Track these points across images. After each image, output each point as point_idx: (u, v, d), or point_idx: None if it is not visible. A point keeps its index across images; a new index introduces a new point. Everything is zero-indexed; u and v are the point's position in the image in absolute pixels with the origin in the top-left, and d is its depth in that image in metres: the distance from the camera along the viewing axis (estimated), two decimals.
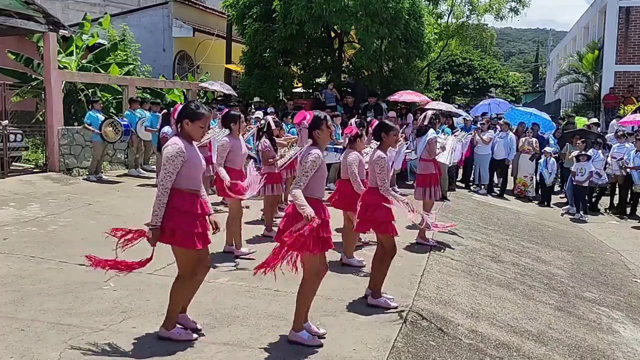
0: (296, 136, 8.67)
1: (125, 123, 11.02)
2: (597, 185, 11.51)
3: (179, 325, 3.97)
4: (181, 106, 3.94)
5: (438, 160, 7.59)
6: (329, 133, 4.09)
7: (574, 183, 11.03)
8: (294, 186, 3.89)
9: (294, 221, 3.84)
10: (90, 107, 11.62)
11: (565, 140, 12.73)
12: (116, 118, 11.20)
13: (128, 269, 3.91)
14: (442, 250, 7.02)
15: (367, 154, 6.39)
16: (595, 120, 15.74)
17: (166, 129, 7.42)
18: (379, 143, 5.05)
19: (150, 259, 3.89)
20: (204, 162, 4.04)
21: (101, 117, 11.06)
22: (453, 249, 7.24)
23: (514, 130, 12.98)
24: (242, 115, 6.42)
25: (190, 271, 3.86)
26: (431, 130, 7.46)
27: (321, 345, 3.96)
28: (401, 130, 9.21)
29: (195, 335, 3.96)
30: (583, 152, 11.04)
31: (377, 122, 5.16)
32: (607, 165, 11.46)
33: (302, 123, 4.03)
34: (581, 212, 10.99)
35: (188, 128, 3.81)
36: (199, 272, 3.93)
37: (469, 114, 16.17)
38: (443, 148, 7.82)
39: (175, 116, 3.91)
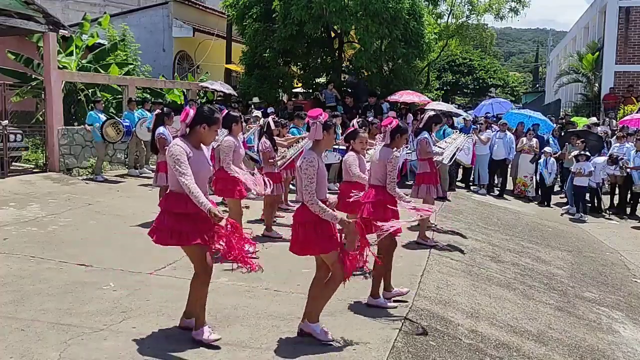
0: (297, 135, 8.69)
1: (127, 124, 11.00)
2: (598, 186, 11.51)
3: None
4: (194, 111, 3.88)
5: (436, 160, 7.60)
6: (332, 139, 4.16)
7: (574, 183, 11.05)
8: (307, 195, 3.85)
9: (306, 227, 3.89)
10: (91, 107, 11.60)
11: (565, 141, 12.74)
12: (118, 118, 11.18)
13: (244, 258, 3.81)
14: (442, 250, 7.01)
15: (370, 154, 6.38)
16: (595, 119, 15.75)
17: (161, 129, 7.41)
18: (386, 142, 5.08)
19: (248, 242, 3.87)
20: (210, 165, 4.02)
21: (102, 117, 11.05)
22: (453, 249, 7.23)
23: (512, 131, 12.98)
24: (242, 116, 6.43)
25: (206, 266, 3.86)
26: (425, 132, 7.47)
27: (331, 342, 3.97)
28: None
29: (218, 336, 3.94)
30: (582, 152, 11.04)
31: (396, 121, 5.20)
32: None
33: (318, 117, 4.04)
34: (581, 212, 11.00)
35: (204, 132, 3.82)
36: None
37: (471, 114, 16.16)
38: (442, 151, 7.81)
39: (189, 121, 3.81)
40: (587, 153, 11.12)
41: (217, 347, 3.83)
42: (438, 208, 9.25)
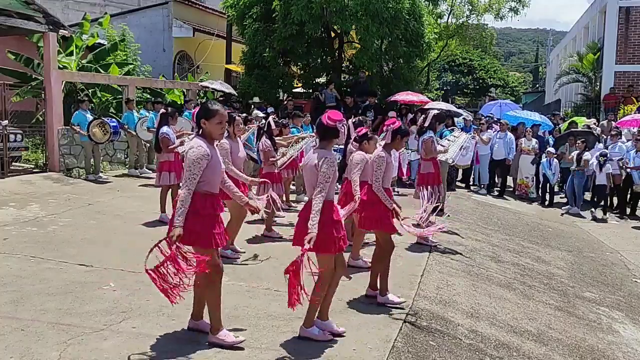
0: (297, 135, 8.67)
1: (114, 124, 10.92)
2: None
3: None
4: (198, 108, 3.98)
5: (440, 160, 7.58)
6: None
7: (595, 183, 11.03)
8: (318, 193, 3.83)
9: (306, 224, 3.86)
10: (77, 106, 11.53)
11: (562, 142, 12.70)
12: (104, 118, 11.07)
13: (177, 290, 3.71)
14: (442, 251, 7.02)
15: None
16: (594, 120, 15.73)
17: (165, 129, 7.41)
18: (385, 143, 5.11)
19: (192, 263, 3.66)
20: (222, 164, 4.02)
21: (89, 117, 11.00)
22: (453, 249, 7.23)
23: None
24: (237, 118, 6.35)
25: (216, 268, 3.84)
26: (429, 131, 7.45)
27: (330, 341, 3.99)
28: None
29: (241, 338, 3.93)
30: (582, 152, 11.03)
31: (398, 122, 5.23)
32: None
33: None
34: (600, 211, 10.97)
35: (206, 127, 3.82)
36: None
37: (480, 114, 16.09)
38: (446, 150, 7.79)
39: (196, 119, 3.94)
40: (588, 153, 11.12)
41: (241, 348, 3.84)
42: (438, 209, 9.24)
